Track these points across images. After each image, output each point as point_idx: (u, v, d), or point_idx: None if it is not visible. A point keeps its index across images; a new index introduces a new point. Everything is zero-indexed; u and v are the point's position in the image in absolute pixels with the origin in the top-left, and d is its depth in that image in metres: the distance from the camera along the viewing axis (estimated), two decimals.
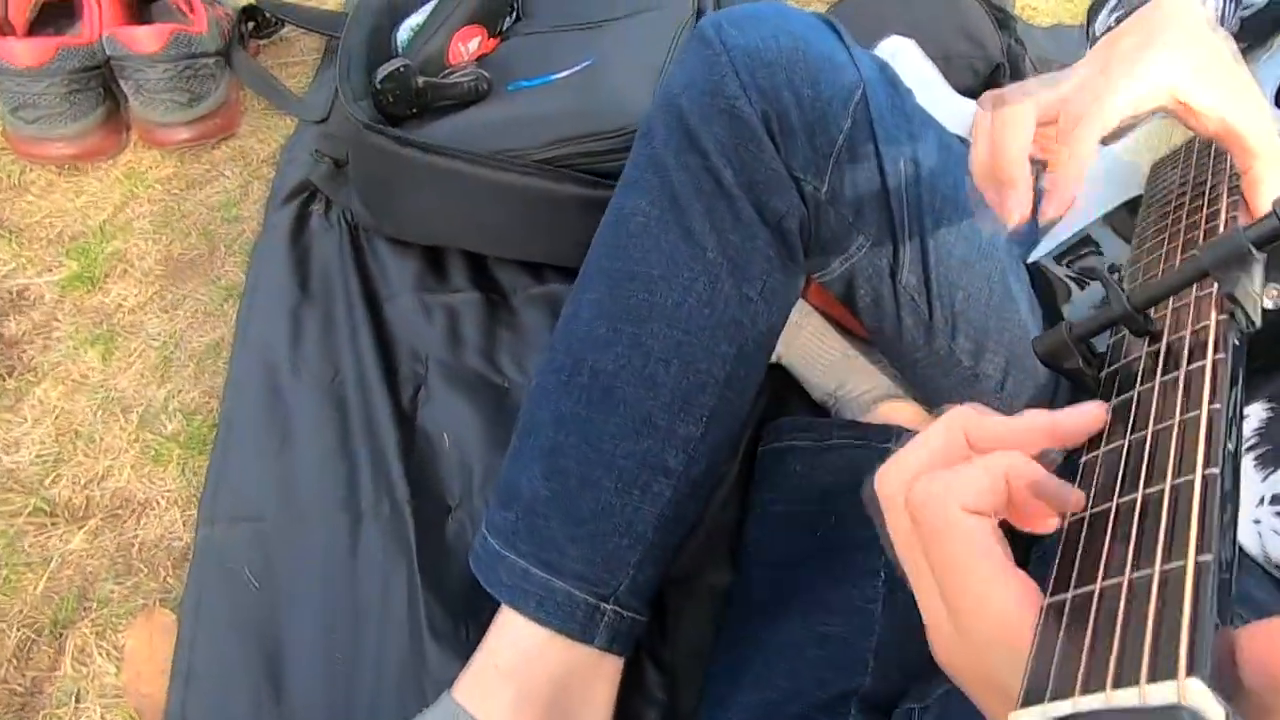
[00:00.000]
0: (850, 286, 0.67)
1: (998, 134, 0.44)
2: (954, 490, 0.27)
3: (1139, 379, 0.31)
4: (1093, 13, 0.60)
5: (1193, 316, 0.32)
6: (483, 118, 0.91)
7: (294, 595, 0.77)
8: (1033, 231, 0.66)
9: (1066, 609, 0.24)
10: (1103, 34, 0.53)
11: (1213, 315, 0.31)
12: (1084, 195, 0.66)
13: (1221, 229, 0.38)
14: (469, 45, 1.01)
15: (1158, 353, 0.32)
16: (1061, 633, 0.23)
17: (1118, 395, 0.32)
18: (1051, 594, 0.25)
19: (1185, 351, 0.30)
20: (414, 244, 0.97)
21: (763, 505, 0.76)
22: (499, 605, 0.65)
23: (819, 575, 0.68)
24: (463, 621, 0.74)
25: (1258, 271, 0.31)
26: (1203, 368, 0.29)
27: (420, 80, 0.92)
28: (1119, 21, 0.50)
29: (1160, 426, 0.28)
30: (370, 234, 0.99)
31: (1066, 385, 0.65)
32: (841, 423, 0.77)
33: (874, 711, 0.60)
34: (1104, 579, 0.24)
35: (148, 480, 0.86)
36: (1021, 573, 0.27)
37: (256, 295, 0.96)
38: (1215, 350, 0.29)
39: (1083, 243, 0.60)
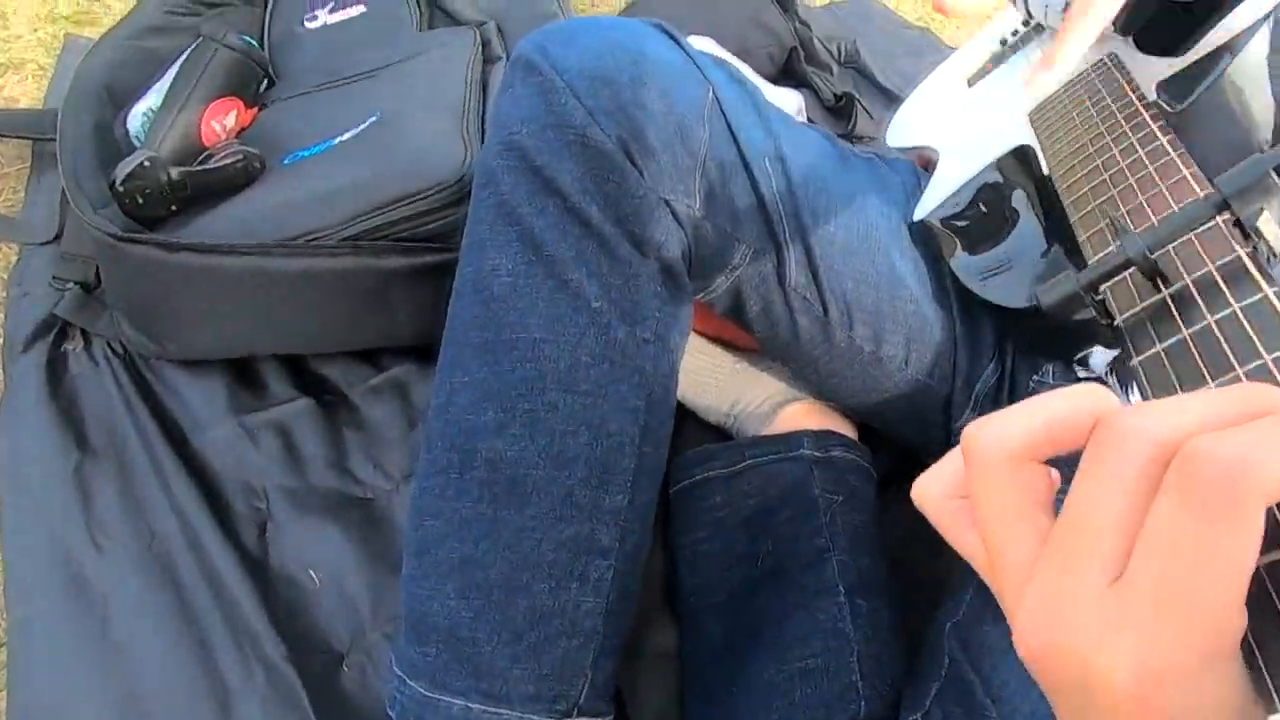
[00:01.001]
0: (737, 299, 0.63)
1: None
2: None
3: (1180, 322, 0.29)
4: None
5: (1205, 252, 0.30)
6: (266, 201, 0.79)
7: None
8: (910, 198, 0.67)
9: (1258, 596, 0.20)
10: None
11: (1238, 249, 0.29)
12: (961, 150, 0.67)
13: (1167, 153, 0.36)
14: (225, 121, 0.88)
15: (1182, 294, 0.30)
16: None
17: (1160, 341, 0.29)
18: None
19: (1222, 288, 0.29)
20: (215, 361, 0.83)
21: (691, 548, 0.71)
22: None
23: (776, 605, 0.64)
24: None
25: (1278, 200, 0.30)
26: (1264, 300, 0.27)
27: (174, 171, 0.79)
28: None
29: (1251, 366, 0.25)
30: (154, 362, 0.84)
31: (966, 343, 0.66)
32: (748, 441, 0.73)
33: None
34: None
35: None
36: None
37: (20, 468, 0.78)
38: (1267, 281, 0.27)
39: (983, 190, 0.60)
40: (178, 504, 0.75)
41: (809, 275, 0.61)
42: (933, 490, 0.26)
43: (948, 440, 0.70)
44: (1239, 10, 0.46)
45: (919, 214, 0.64)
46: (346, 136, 0.86)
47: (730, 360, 0.79)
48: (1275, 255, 0.29)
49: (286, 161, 0.86)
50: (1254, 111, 0.45)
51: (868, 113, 1.06)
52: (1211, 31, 0.47)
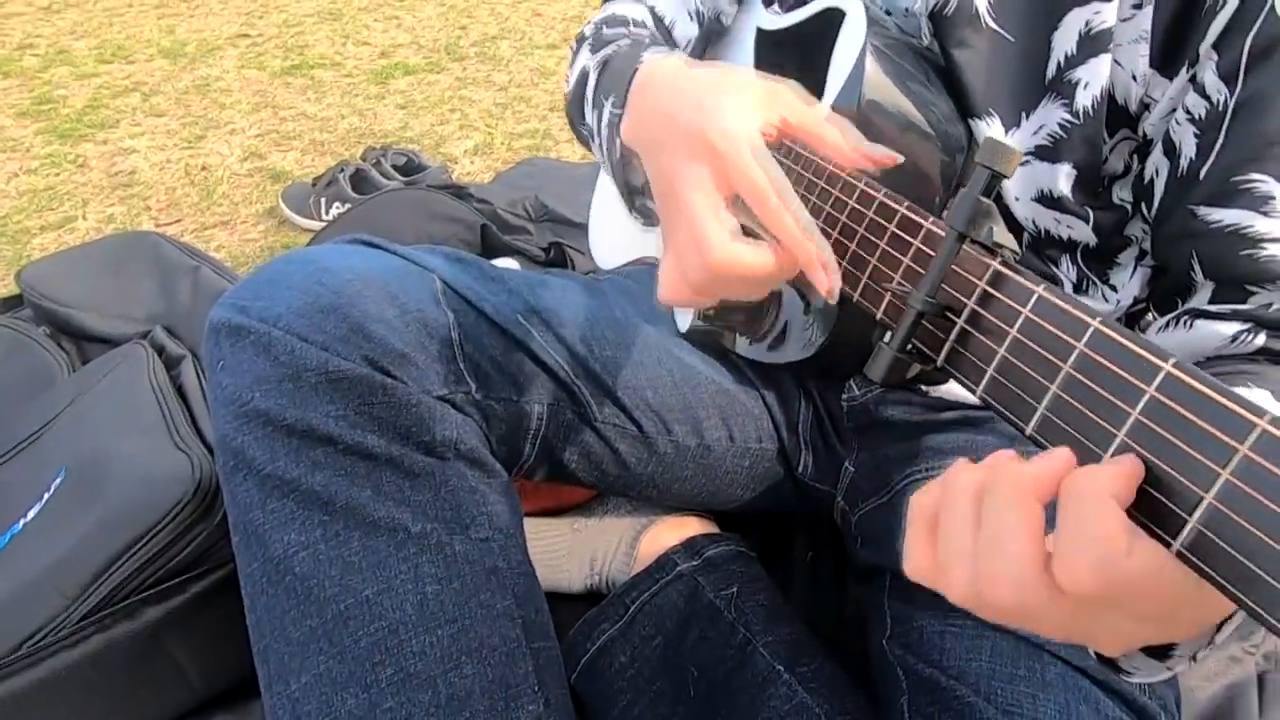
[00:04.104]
0: (553, 457, 0.63)
1: None
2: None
3: (993, 340, 0.34)
4: (578, 113, 0.64)
5: (970, 275, 0.36)
6: None
7: None
8: (669, 309, 0.72)
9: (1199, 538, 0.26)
10: (605, 126, 0.58)
11: (991, 262, 0.35)
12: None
13: (877, 201, 0.43)
14: None
15: (975, 318, 0.35)
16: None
17: (989, 367, 0.34)
18: (1176, 541, 0.26)
19: (1000, 298, 0.34)
20: None
21: (621, 715, 0.66)
22: None
23: None
24: None
25: (996, 214, 0.36)
26: (1040, 298, 0.32)
27: None
28: (618, 107, 0.55)
29: (1073, 360, 0.30)
30: None
31: (774, 398, 0.71)
32: (624, 589, 0.71)
33: None
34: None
35: None
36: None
37: None
38: (1034, 283, 0.33)
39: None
40: None
41: (610, 403, 0.63)
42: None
43: (798, 489, 0.74)
44: (840, 51, 0.58)
45: (682, 326, 0.69)
46: (34, 512, 0.76)
47: (566, 525, 0.78)
48: (1017, 252, 0.36)
49: None
50: (907, 113, 0.56)
51: (579, 251, 1.15)
52: (831, 75, 0.58)
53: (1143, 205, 0.57)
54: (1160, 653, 0.38)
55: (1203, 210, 0.51)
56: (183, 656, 0.68)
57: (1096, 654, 0.41)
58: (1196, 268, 0.52)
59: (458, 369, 0.56)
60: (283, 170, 1.78)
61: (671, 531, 0.76)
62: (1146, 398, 0.28)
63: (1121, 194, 0.59)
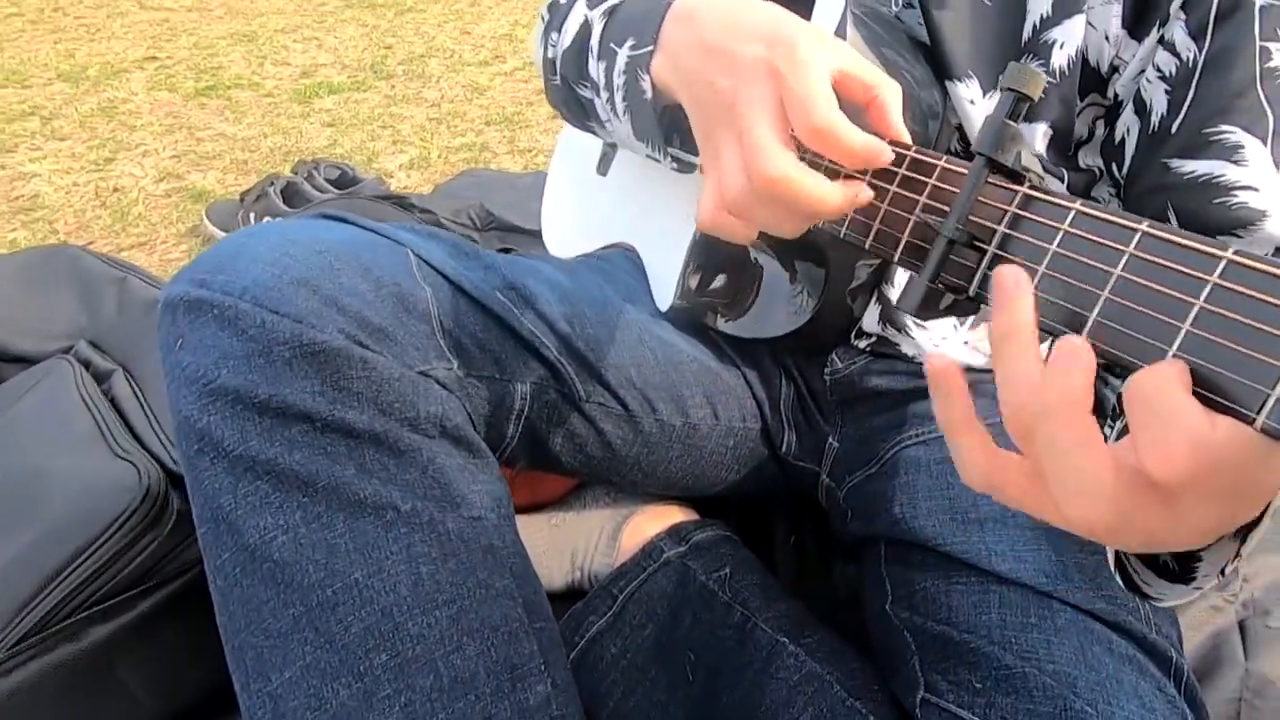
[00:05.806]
0: (535, 440, 0.62)
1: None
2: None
3: (1033, 260, 0.34)
4: (574, 71, 0.60)
5: (997, 202, 0.36)
6: None
7: None
8: (633, 276, 0.72)
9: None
10: (621, 72, 0.55)
11: (1018, 188, 0.36)
12: (660, 236, 0.73)
13: (904, 153, 0.43)
14: None
15: (1007, 242, 0.36)
16: None
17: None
18: (1260, 416, 0.27)
19: (1039, 220, 0.34)
20: None
21: (617, 712, 0.65)
22: None
23: (738, 699, 0.60)
24: None
25: (1023, 137, 0.37)
26: (1079, 213, 0.33)
27: None
28: (642, 47, 0.52)
29: (1123, 265, 0.31)
30: None
31: (756, 376, 0.71)
32: (610, 579, 0.70)
33: None
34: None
35: None
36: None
37: None
38: (1069, 200, 0.34)
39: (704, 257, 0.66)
40: None
41: (594, 382, 0.62)
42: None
43: (782, 468, 0.74)
44: (819, 18, 0.59)
45: (664, 306, 0.69)
46: None
47: (543, 521, 0.76)
48: (1042, 177, 0.37)
49: None
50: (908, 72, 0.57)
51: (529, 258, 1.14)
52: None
53: (1113, 166, 0.59)
54: (1184, 576, 0.38)
55: (1175, 163, 0.53)
56: (134, 679, 0.64)
57: (1125, 583, 0.42)
58: (1172, 219, 0.54)
59: (438, 345, 0.54)
60: (204, 189, 1.72)
61: (653, 521, 0.75)
62: (1210, 287, 0.28)
63: (1087, 159, 0.61)
